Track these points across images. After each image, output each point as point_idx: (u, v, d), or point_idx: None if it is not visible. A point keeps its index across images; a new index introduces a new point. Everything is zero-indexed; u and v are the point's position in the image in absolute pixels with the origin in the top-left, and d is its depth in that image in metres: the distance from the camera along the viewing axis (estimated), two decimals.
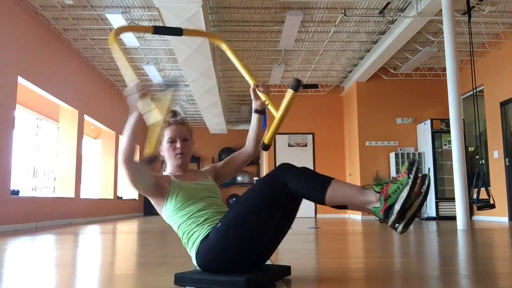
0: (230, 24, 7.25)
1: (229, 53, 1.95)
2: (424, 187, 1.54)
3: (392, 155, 9.58)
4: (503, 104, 7.80)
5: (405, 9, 6.76)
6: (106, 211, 10.24)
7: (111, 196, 10.74)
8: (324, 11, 6.87)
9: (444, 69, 8.91)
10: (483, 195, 5.93)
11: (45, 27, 7.09)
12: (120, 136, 11.34)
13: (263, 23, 7.26)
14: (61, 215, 7.67)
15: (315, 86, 10.71)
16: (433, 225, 6.66)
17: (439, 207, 8.74)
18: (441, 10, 6.06)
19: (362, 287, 1.80)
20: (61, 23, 7.18)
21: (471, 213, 7.38)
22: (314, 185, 1.65)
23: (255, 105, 1.98)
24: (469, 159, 7.87)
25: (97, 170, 10.96)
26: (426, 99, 9.81)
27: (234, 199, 13.78)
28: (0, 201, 5.69)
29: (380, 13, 6.84)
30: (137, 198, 12.80)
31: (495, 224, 6.64)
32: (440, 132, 9.05)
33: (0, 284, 1.88)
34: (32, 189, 9.05)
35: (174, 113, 2.05)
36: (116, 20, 6.44)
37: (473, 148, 8.90)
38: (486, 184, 6.04)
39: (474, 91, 6.29)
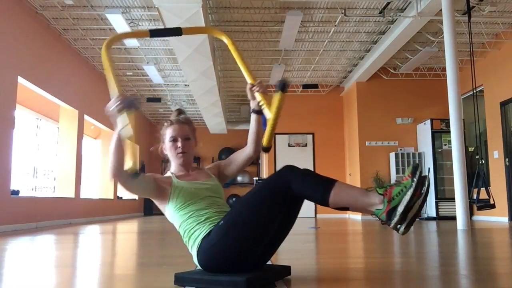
0: (230, 24, 7.25)
1: (231, 47, 1.90)
2: (424, 188, 1.56)
3: (392, 155, 9.58)
4: (503, 104, 7.80)
5: (405, 9, 6.76)
6: (106, 211, 10.24)
7: (111, 196, 10.74)
8: (324, 11, 6.87)
9: (444, 69, 8.91)
10: (483, 195, 5.93)
11: (45, 27, 7.09)
12: None
13: (263, 23, 7.26)
14: (61, 215, 7.66)
15: (315, 86, 10.70)
16: (433, 225, 6.66)
17: (439, 207, 8.75)
18: (441, 10, 6.06)
19: (362, 287, 1.80)
20: (61, 23, 7.19)
21: (471, 213, 7.38)
22: (318, 187, 1.66)
23: (252, 105, 1.94)
24: (469, 159, 7.87)
25: (97, 170, 10.97)
26: (426, 99, 9.82)
27: (234, 199, 13.78)
28: (0, 201, 5.69)
29: (380, 13, 6.84)
30: (137, 198, 12.79)
31: (495, 224, 6.64)
32: (440, 132, 9.05)
33: (0, 284, 1.88)
34: (32, 189, 9.05)
35: (179, 112, 2.06)
36: (116, 20, 6.44)
37: (473, 148, 8.90)
38: (486, 184, 6.04)
39: (474, 91, 6.29)
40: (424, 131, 9.41)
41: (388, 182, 9.54)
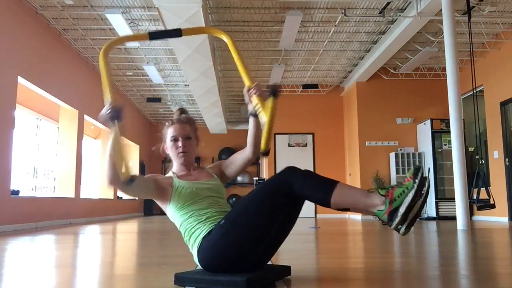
0: (230, 24, 7.25)
1: (231, 47, 1.89)
2: (425, 189, 1.58)
3: (392, 155, 9.58)
4: (503, 104, 7.80)
5: (405, 9, 6.76)
6: (106, 211, 10.25)
7: (111, 196, 10.74)
8: (324, 11, 6.87)
9: (444, 69, 8.91)
10: (483, 195, 5.93)
11: (45, 27, 7.09)
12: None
13: (263, 23, 7.26)
14: (61, 215, 7.67)
15: (315, 86, 10.71)
16: (433, 225, 6.66)
17: (439, 207, 8.75)
18: (441, 10, 6.06)
19: (362, 287, 1.80)
20: (61, 23, 7.19)
21: (471, 213, 7.38)
22: (320, 187, 1.67)
23: (250, 108, 1.93)
24: (469, 159, 7.87)
25: (97, 170, 10.97)
26: (426, 99, 9.82)
27: (234, 199, 13.78)
28: (0, 201, 5.69)
29: (380, 13, 6.84)
30: (137, 198, 12.80)
31: (495, 224, 6.64)
32: (440, 132, 9.05)
33: (0, 284, 1.88)
34: (32, 189, 9.05)
35: (181, 111, 2.06)
36: (116, 20, 6.44)
37: (473, 148, 8.90)
38: (486, 184, 6.04)
39: (474, 91, 6.29)
40: (424, 131, 9.41)
41: (388, 182, 9.55)
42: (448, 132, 6.40)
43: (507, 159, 7.64)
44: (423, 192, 1.57)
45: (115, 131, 1.65)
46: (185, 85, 10.46)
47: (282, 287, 1.69)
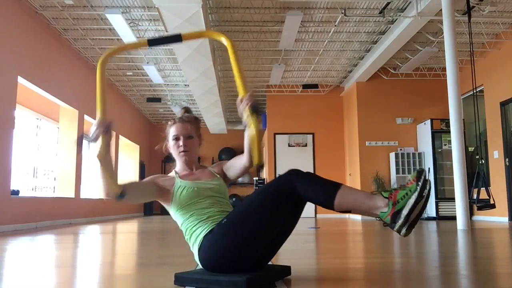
0: (230, 24, 7.26)
1: (230, 50, 1.84)
2: (426, 191, 1.59)
3: (392, 155, 9.58)
4: (503, 104, 7.80)
5: (405, 9, 6.77)
6: (106, 211, 10.25)
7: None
8: (324, 11, 6.87)
9: (444, 69, 8.92)
10: (483, 195, 5.93)
11: (45, 27, 7.09)
12: (120, 135, 11.35)
13: (263, 23, 7.26)
14: (61, 215, 7.67)
15: (315, 86, 10.71)
16: (433, 225, 6.66)
17: (439, 207, 8.75)
18: (441, 10, 6.06)
19: (362, 287, 1.80)
20: (61, 23, 7.19)
21: (471, 213, 7.39)
22: (324, 190, 1.68)
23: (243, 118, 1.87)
24: (469, 159, 7.87)
25: (97, 170, 10.96)
26: (426, 99, 9.82)
27: (234, 199, 13.78)
28: (0, 201, 5.69)
29: (380, 13, 6.84)
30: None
31: (495, 224, 6.64)
32: (440, 132, 9.05)
33: (0, 284, 1.88)
34: (32, 189, 9.05)
35: (185, 110, 2.08)
36: (116, 20, 6.44)
37: (473, 148, 8.90)
38: (486, 184, 6.04)
39: (474, 91, 6.29)
40: (424, 131, 9.41)
41: (388, 182, 9.55)
42: (448, 132, 6.40)
43: (507, 159, 7.64)
44: (424, 194, 1.58)
45: (101, 148, 1.66)
46: (185, 85, 10.46)
47: (282, 287, 1.69)
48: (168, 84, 10.60)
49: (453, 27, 5.89)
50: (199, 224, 1.81)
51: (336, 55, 8.88)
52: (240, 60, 1.87)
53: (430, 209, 8.91)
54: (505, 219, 7.50)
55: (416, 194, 1.58)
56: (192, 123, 2.00)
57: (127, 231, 5.96)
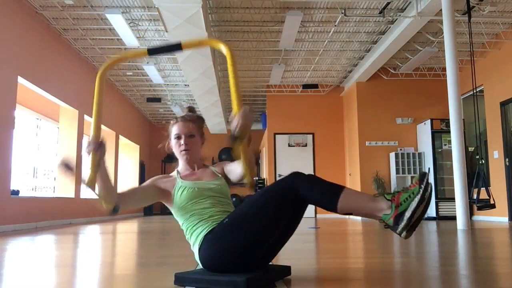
0: (230, 24, 7.26)
1: (229, 60, 1.77)
2: (427, 193, 1.60)
3: (392, 155, 9.58)
4: (503, 104, 7.80)
5: (405, 9, 6.77)
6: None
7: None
8: (324, 11, 6.87)
9: (444, 69, 8.91)
10: (483, 195, 5.93)
11: (45, 27, 7.09)
12: (120, 135, 11.35)
13: (263, 23, 7.26)
14: (61, 215, 7.67)
15: (315, 86, 10.71)
16: (433, 225, 6.66)
17: (439, 207, 8.75)
18: (441, 10, 6.06)
19: (362, 287, 1.80)
20: (61, 23, 7.19)
21: (471, 213, 7.38)
22: (327, 193, 1.69)
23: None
24: (469, 159, 7.87)
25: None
26: (426, 99, 9.82)
27: (234, 199, 13.78)
28: (0, 201, 5.69)
29: (380, 13, 6.84)
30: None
31: (495, 224, 6.64)
32: (440, 132, 9.05)
33: (0, 284, 1.88)
34: (32, 189, 9.05)
35: (189, 110, 2.08)
36: (116, 20, 6.44)
37: (473, 148, 8.90)
38: (486, 184, 6.04)
39: (474, 91, 6.29)
40: (424, 131, 9.41)
41: (388, 182, 9.55)
42: (448, 132, 6.40)
43: (507, 159, 7.64)
44: (425, 196, 1.59)
45: (89, 176, 1.68)
46: (185, 85, 10.46)
47: (282, 287, 1.69)
48: (168, 84, 10.60)
49: (453, 27, 5.89)
50: (199, 224, 1.81)
51: (336, 55, 8.88)
52: (238, 74, 1.79)
53: (430, 209, 8.91)
54: (505, 219, 7.50)
55: (419, 196, 1.59)
56: (194, 122, 2.01)
57: (127, 231, 5.96)
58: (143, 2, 6.43)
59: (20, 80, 6.30)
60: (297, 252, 2.97)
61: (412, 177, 9.39)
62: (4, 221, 5.74)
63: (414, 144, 9.74)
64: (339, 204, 1.66)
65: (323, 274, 2.10)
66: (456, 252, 3.09)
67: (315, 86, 10.70)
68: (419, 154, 9.48)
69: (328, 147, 10.95)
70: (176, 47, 1.78)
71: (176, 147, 1.99)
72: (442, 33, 6.31)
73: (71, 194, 8.18)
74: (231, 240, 1.71)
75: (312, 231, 5.28)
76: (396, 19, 7.08)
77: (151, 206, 13.82)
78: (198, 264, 1.83)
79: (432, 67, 9.62)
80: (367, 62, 8.86)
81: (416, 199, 1.59)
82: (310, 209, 11.45)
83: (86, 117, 8.78)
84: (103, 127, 10.11)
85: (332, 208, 1.67)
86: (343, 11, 6.72)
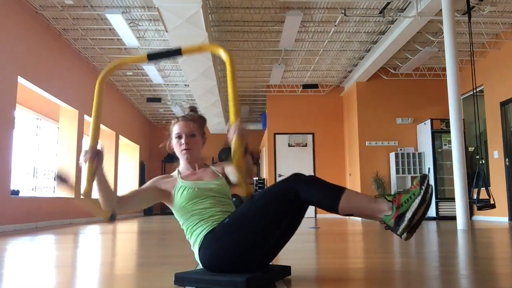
0: (230, 24, 7.26)
1: (228, 66, 1.71)
2: (428, 195, 1.61)
3: (392, 155, 9.58)
4: (503, 104, 7.80)
5: (405, 9, 6.77)
6: None
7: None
8: (324, 11, 6.87)
9: (444, 69, 8.92)
10: (483, 195, 5.93)
11: (45, 27, 7.09)
12: (120, 135, 11.35)
13: (263, 23, 7.26)
14: (61, 215, 7.66)
15: (315, 86, 10.71)
16: (433, 225, 6.66)
17: (439, 207, 8.75)
18: (441, 10, 6.06)
19: (362, 287, 1.80)
20: (61, 23, 7.19)
21: (471, 213, 7.38)
22: (328, 194, 1.69)
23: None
24: (469, 159, 7.87)
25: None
26: (426, 99, 9.82)
27: (234, 199, 13.77)
28: (0, 201, 5.69)
29: (380, 13, 6.84)
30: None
31: (495, 224, 6.64)
32: (440, 132, 9.05)
33: (0, 284, 1.88)
34: (32, 189, 9.05)
35: (190, 109, 2.09)
36: (116, 20, 6.44)
37: (473, 148, 8.90)
38: (486, 184, 6.04)
39: (474, 91, 6.29)
40: (424, 131, 9.41)
41: (388, 182, 9.55)
42: (448, 132, 6.40)
43: (507, 159, 7.64)
44: (426, 198, 1.60)
45: (85, 187, 1.69)
46: (185, 85, 10.46)
47: (282, 287, 1.69)
48: (168, 84, 10.60)
49: (453, 27, 5.89)
50: (199, 224, 1.81)
51: (336, 55, 8.88)
52: (236, 80, 1.74)
53: (430, 209, 8.85)
54: (505, 219, 7.50)
55: (420, 197, 1.60)
56: (195, 121, 2.01)
57: (127, 231, 5.96)
58: (143, 2, 6.43)
59: (20, 80, 6.30)
60: (297, 252, 2.97)
61: (412, 177, 9.40)
62: (4, 221, 5.74)
63: (414, 144, 9.74)
64: (340, 205, 1.66)
65: (323, 274, 2.10)
66: (456, 252, 3.09)
67: (315, 86, 10.70)
68: (419, 154, 9.48)
69: (328, 147, 10.95)
70: (176, 53, 1.78)
71: (177, 146, 1.99)
72: (442, 33, 6.31)
73: (71, 194, 8.17)
74: (231, 240, 1.71)
75: (312, 231, 5.28)
76: (396, 19, 7.08)
77: (151, 206, 13.81)
78: (198, 264, 1.83)
79: (432, 67, 9.62)
80: (367, 62, 8.86)
81: (417, 200, 1.59)
82: (310, 209, 11.47)
83: (86, 117, 8.78)
84: (102, 127, 10.19)
85: (333, 209, 1.68)
86: (343, 11, 6.72)
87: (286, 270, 1.89)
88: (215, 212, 1.83)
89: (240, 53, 8.58)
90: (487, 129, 8.28)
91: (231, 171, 1.99)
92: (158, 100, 11.69)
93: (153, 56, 1.81)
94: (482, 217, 8.20)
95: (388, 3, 6.59)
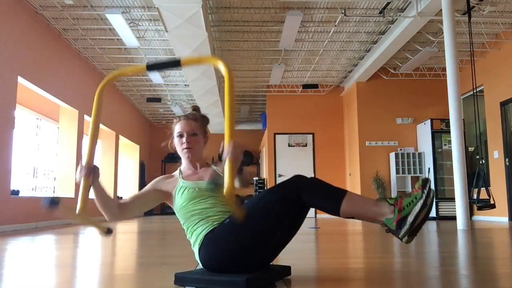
0: (230, 24, 7.26)
1: (226, 79, 1.62)
2: (429, 199, 1.61)
3: (392, 155, 9.58)
4: (503, 104, 7.80)
5: (405, 9, 6.77)
6: None
7: (111, 196, 10.72)
8: (324, 11, 6.87)
9: (444, 69, 8.92)
10: (483, 195, 5.93)
11: (45, 27, 7.09)
12: (120, 135, 11.34)
13: (263, 23, 7.26)
14: (61, 215, 7.66)
15: (315, 86, 10.71)
16: (433, 225, 6.66)
17: (439, 207, 8.74)
18: (441, 10, 6.06)
19: (362, 287, 1.80)
20: (61, 23, 7.19)
21: (471, 213, 7.38)
22: (329, 197, 1.70)
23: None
24: (469, 159, 7.87)
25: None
26: (426, 99, 9.82)
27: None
28: (0, 201, 5.69)
29: (380, 13, 6.84)
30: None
31: (495, 224, 6.64)
32: (440, 132, 9.05)
33: (0, 284, 1.88)
34: (32, 189, 9.05)
35: (193, 109, 2.09)
36: (116, 20, 6.44)
37: (473, 148, 8.90)
38: (486, 184, 6.04)
39: (474, 91, 6.30)
40: (424, 131, 9.41)
41: (388, 182, 9.55)
42: (448, 132, 6.40)
43: (507, 159, 7.64)
44: (427, 202, 1.61)
45: (83, 191, 1.71)
46: (185, 85, 10.47)
47: (282, 287, 1.69)
48: (168, 84, 10.60)
49: (453, 27, 5.89)
50: (200, 223, 1.81)
51: (336, 55, 8.88)
52: (234, 96, 1.62)
53: None
54: (505, 219, 7.50)
55: (421, 201, 1.60)
56: (197, 120, 2.01)
57: (127, 231, 5.96)
58: (143, 2, 6.43)
59: (20, 80, 6.30)
60: (297, 252, 2.97)
61: (413, 177, 9.40)
62: (4, 221, 5.74)
63: (414, 144, 9.74)
64: (342, 208, 1.66)
65: (323, 274, 2.10)
66: (456, 252, 3.09)
67: (315, 86, 10.70)
68: (419, 154, 9.48)
69: (328, 147, 10.95)
70: (175, 64, 1.77)
71: (178, 145, 1.99)
72: (442, 33, 6.31)
73: (71, 194, 8.17)
74: (231, 240, 1.71)
75: (312, 231, 5.28)
76: (396, 19, 7.08)
77: None
78: (198, 264, 1.83)
79: (432, 67, 9.62)
80: (367, 62, 8.86)
81: (419, 204, 1.60)
82: (310, 209, 11.50)
83: (86, 117, 8.78)
84: (103, 127, 10.19)
85: (335, 212, 1.68)
86: (343, 11, 6.72)
87: (286, 270, 1.89)
88: (215, 212, 1.83)
89: (240, 53, 8.58)
90: (487, 129, 8.28)
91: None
92: (158, 100, 11.69)
93: (152, 67, 1.81)
94: (482, 217, 8.20)
95: (388, 3, 6.59)
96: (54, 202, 1.62)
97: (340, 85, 10.95)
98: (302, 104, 11.01)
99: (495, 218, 7.71)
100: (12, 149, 6.02)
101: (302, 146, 11.01)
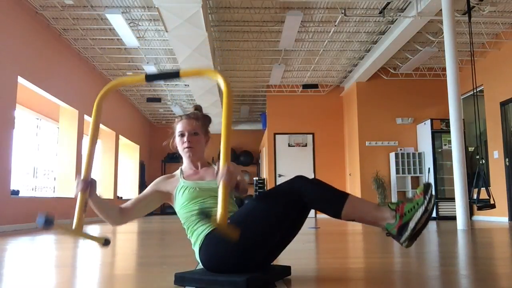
0: (230, 24, 7.26)
1: (225, 94, 1.59)
2: (431, 205, 1.61)
3: (392, 155, 9.59)
4: (503, 104, 7.80)
5: (405, 9, 6.77)
6: None
7: (111, 196, 10.74)
8: (324, 11, 6.87)
9: (444, 69, 8.92)
10: (483, 195, 5.93)
11: (45, 27, 7.09)
12: (120, 135, 11.35)
13: (263, 23, 7.26)
14: (61, 215, 7.65)
15: (315, 86, 10.71)
16: (433, 225, 6.66)
17: (439, 207, 8.75)
18: (441, 10, 6.06)
19: (362, 287, 1.80)
20: (61, 23, 7.19)
21: (471, 213, 7.39)
22: (331, 200, 1.70)
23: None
24: (469, 159, 7.87)
25: (97, 170, 10.97)
26: (426, 99, 9.82)
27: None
28: (0, 201, 5.69)
29: (380, 13, 6.84)
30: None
31: (495, 224, 6.64)
32: (440, 132, 9.06)
33: (0, 284, 1.88)
34: (32, 189, 9.05)
35: (195, 108, 2.09)
36: (116, 20, 6.44)
37: (473, 148, 8.90)
38: (486, 184, 6.04)
39: (474, 91, 6.30)
40: (424, 131, 9.41)
41: (388, 182, 9.55)
42: (448, 132, 6.41)
43: (507, 159, 7.64)
44: (428, 208, 1.61)
45: (80, 206, 1.70)
46: (185, 85, 10.47)
47: (282, 287, 1.69)
48: (168, 84, 10.61)
49: (453, 27, 5.90)
50: (200, 223, 1.81)
51: (336, 55, 8.88)
52: (231, 112, 1.58)
53: None
54: (505, 219, 7.50)
55: (423, 207, 1.60)
56: (198, 120, 2.01)
57: (127, 231, 5.95)
58: (143, 2, 6.43)
59: (20, 80, 6.30)
60: (297, 252, 2.97)
61: (413, 177, 9.40)
62: (4, 221, 5.74)
63: (414, 144, 9.74)
64: (343, 211, 1.67)
65: (323, 274, 2.10)
66: (456, 252, 3.09)
67: (315, 86, 10.70)
68: (419, 154, 9.48)
69: (328, 147, 10.95)
70: (174, 75, 1.77)
71: (179, 144, 1.99)
72: (442, 33, 6.31)
73: (71, 194, 8.17)
74: (231, 241, 1.71)
75: (312, 231, 5.28)
76: (396, 19, 7.08)
77: None
78: (198, 263, 1.83)
79: (432, 67, 9.62)
80: (367, 62, 8.86)
81: (421, 210, 1.60)
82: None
83: (86, 117, 8.78)
84: (103, 127, 10.18)
85: (336, 215, 1.68)
86: (343, 11, 6.72)
87: (286, 270, 1.88)
88: (215, 212, 1.82)
89: (240, 53, 8.58)
90: (487, 129, 8.29)
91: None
92: (158, 100, 11.69)
93: (152, 77, 1.81)
94: (482, 217, 8.20)
95: (388, 3, 6.59)
96: (48, 221, 1.61)
97: (340, 85, 10.96)
98: (302, 104, 11.01)
99: (495, 218, 7.71)
100: (12, 149, 6.02)
101: (302, 146, 11.01)
